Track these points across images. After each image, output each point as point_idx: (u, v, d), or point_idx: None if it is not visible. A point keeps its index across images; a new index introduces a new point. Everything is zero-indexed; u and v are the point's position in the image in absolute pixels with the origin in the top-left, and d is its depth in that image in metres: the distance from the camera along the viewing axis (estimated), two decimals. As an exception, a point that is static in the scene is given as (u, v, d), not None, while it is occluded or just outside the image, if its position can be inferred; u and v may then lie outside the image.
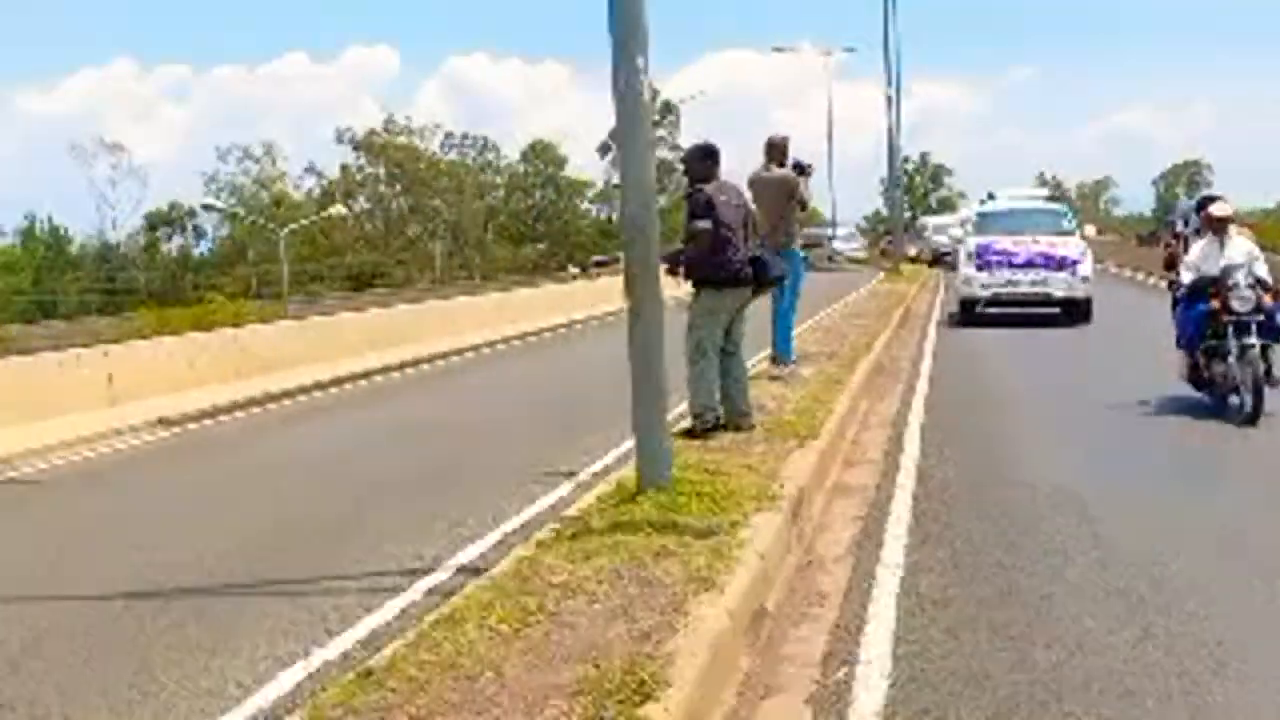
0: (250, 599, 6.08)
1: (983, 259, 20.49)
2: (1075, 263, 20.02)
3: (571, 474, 8.31)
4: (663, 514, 5.72)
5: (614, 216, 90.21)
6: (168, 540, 7.53)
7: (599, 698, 3.53)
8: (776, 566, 5.53)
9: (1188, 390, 10.49)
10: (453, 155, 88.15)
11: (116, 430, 11.63)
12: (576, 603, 4.52)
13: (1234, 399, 9.85)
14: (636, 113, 6.30)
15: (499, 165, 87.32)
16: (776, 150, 11.13)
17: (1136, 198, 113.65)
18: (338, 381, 15.29)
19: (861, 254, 55.22)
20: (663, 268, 6.77)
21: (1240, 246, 10.36)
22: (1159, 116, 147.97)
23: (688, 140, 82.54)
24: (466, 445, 10.55)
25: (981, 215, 23.47)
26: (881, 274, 37.06)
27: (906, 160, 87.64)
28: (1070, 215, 23.49)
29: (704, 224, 7.96)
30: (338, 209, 74.14)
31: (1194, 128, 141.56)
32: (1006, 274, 20.35)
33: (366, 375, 16.07)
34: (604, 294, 27.23)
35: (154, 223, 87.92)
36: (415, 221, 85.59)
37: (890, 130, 40.56)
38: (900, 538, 6.32)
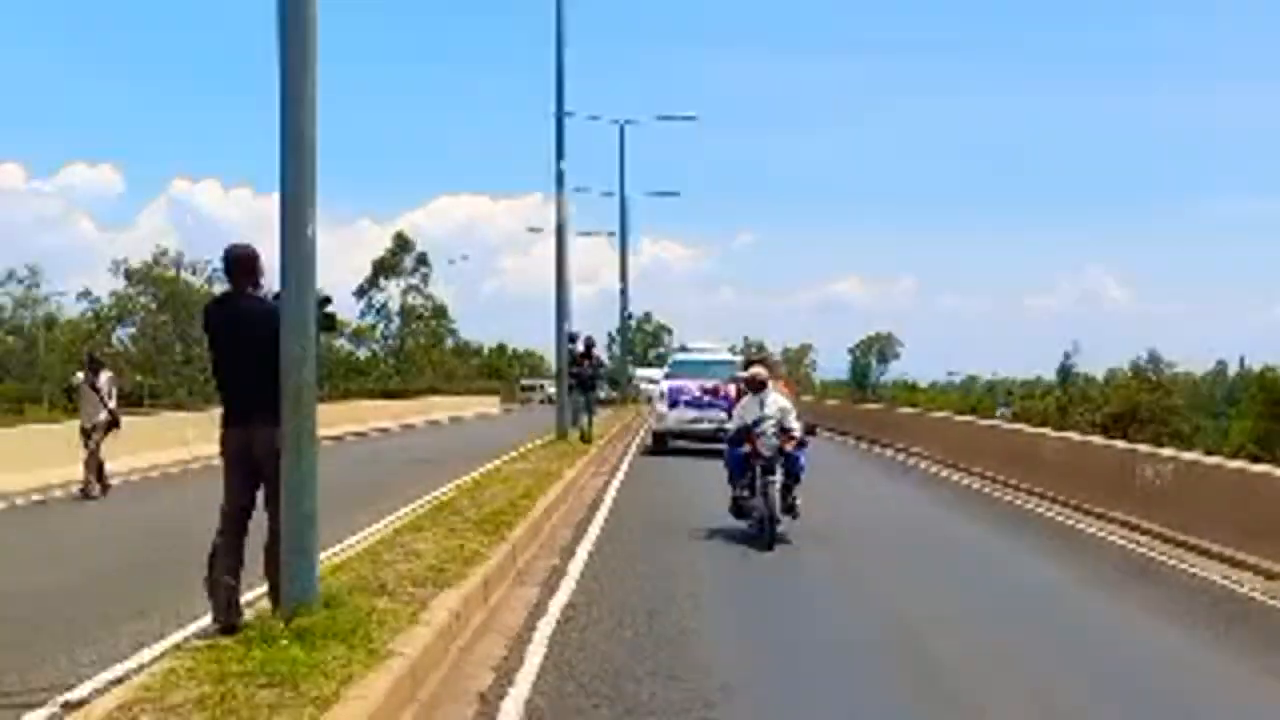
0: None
1: (673, 398, 25.95)
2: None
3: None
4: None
5: (363, 353, 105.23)
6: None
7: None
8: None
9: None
10: (220, 288, 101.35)
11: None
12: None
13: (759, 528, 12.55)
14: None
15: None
16: (584, 343, 27.80)
17: (838, 362, 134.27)
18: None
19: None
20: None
21: (775, 401, 13.28)
22: (868, 286, 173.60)
23: (440, 288, 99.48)
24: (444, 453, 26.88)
25: (675, 363, 29.18)
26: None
27: (630, 317, 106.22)
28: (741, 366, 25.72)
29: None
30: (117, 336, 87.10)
31: (897, 299, 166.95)
32: (692, 412, 25.55)
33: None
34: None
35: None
36: (182, 347, 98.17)
37: (622, 304, 57.65)
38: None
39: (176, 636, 7.83)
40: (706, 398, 25.18)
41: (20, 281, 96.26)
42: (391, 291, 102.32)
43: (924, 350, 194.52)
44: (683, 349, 32.36)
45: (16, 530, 14.35)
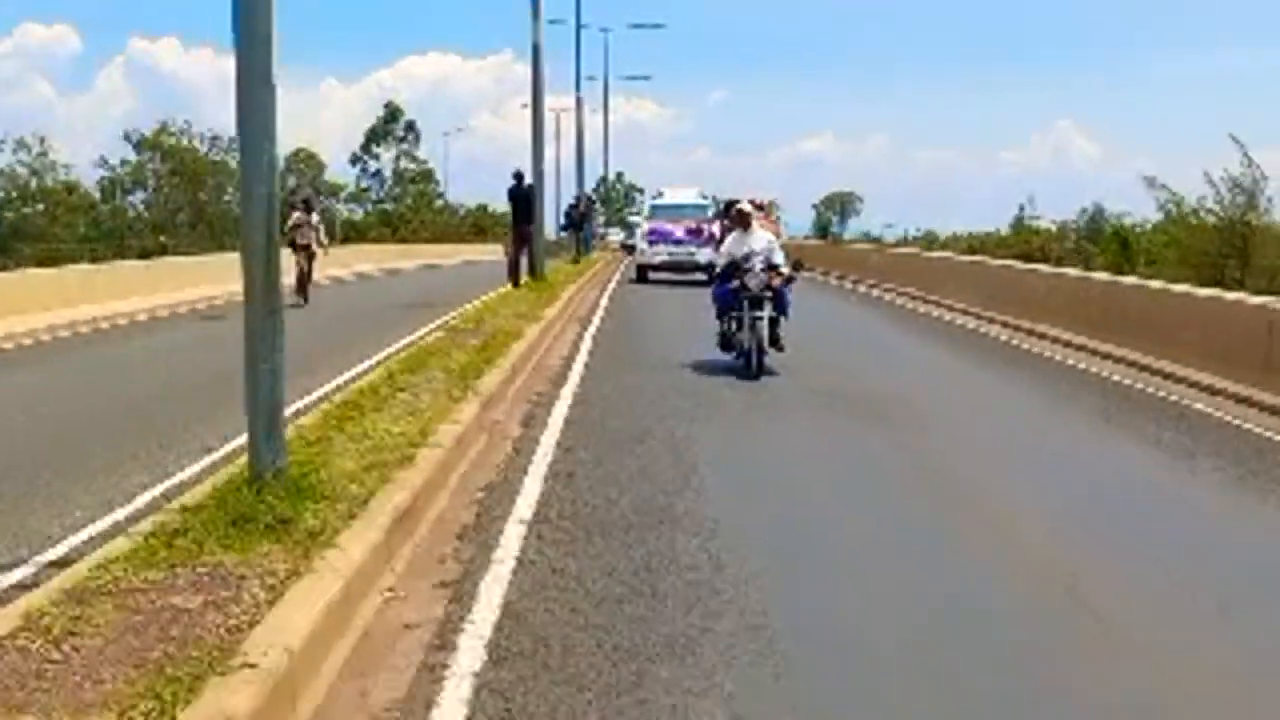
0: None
1: (652, 236, 32.52)
2: (714, 238, 27.07)
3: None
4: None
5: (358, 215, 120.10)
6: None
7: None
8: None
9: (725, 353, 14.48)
10: (218, 156, 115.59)
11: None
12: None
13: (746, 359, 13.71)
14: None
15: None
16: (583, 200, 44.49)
17: (803, 219, 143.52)
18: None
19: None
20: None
21: (761, 237, 14.21)
22: (840, 143, 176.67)
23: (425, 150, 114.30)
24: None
25: (654, 207, 35.05)
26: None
27: (604, 180, 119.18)
28: (711, 207, 33.39)
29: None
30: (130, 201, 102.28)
31: (870, 156, 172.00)
32: (668, 247, 32.05)
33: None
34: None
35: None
36: (189, 211, 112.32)
37: (604, 172, 72.74)
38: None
39: (488, 295, 24.09)
40: (682, 236, 31.96)
41: (30, 150, 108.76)
42: (384, 158, 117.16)
43: (894, 207, 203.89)
44: (659, 194, 36.92)
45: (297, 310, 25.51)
